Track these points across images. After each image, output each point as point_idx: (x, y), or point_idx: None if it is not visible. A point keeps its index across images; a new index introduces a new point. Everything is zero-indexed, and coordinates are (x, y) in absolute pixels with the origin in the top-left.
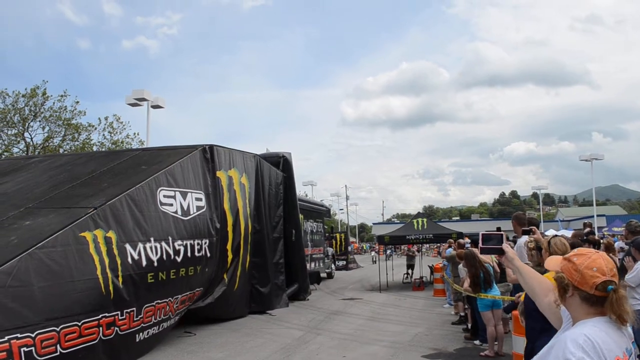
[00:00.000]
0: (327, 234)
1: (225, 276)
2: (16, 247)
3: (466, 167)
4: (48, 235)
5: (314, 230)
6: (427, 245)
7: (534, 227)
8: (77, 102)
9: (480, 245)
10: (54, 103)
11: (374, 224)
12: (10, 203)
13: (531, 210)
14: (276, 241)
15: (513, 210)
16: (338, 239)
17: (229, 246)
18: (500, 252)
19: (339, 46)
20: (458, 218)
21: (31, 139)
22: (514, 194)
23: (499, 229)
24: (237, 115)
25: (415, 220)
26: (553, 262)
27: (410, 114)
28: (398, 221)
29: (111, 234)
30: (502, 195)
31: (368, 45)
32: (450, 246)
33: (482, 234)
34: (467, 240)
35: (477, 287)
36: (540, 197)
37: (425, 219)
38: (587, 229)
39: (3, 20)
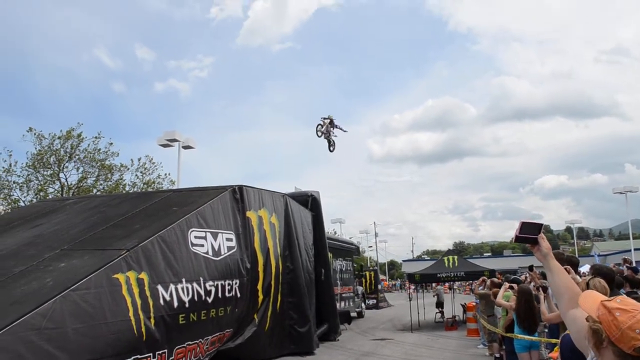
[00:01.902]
0: (356, 272)
1: (255, 316)
2: (51, 289)
3: (496, 202)
4: (82, 277)
5: (343, 269)
6: (459, 283)
7: (568, 267)
8: (111, 143)
9: (517, 233)
10: (88, 145)
11: (403, 261)
12: (46, 245)
13: (565, 245)
14: (310, 281)
15: None
16: (368, 277)
17: (259, 286)
18: (535, 242)
19: (365, 84)
20: (490, 254)
21: (66, 179)
22: (546, 228)
23: (540, 224)
24: (265, 154)
25: (446, 258)
26: (590, 303)
27: (438, 150)
28: (428, 258)
29: (143, 276)
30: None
31: (393, 82)
32: (483, 284)
33: (522, 222)
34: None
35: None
36: (574, 231)
37: (456, 257)
38: (626, 265)
39: (43, 66)
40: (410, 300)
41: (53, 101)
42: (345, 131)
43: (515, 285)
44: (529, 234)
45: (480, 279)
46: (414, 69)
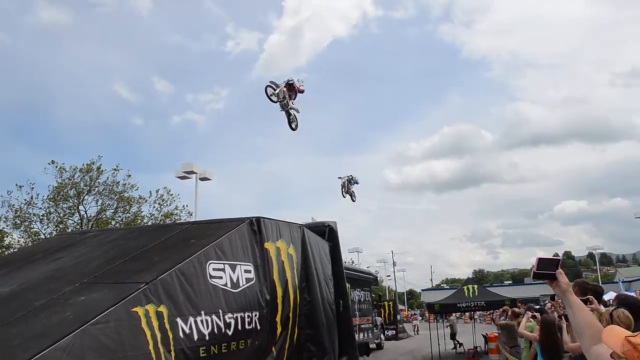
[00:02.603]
0: (375, 303)
1: (273, 349)
2: (71, 323)
3: (515, 229)
4: (102, 311)
5: (362, 299)
6: (480, 313)
7: (590, 297)
8: (129, 175)
9: (534, 270)
10: (107, 177)
11: (422, 290)
12: (66, 278)
13: (588, 271)
14: (329, 312)
15: (568, 272)
16: (386, 308)
17: (278, 318)
18: (553, 278)
19: (380, 113)
20: (510, 282)
21: (85, 211)
22: (568, 254)
23: (556, 255)
24: (282, 183)
25: (465, 287)
26: (613, 339)
27: (454, 177)
28: (447, 286)
29: (162, 309)
30: (556, 256)
31: (408, 111)
32: (504, 314)
33: (539, 258)
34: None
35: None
36: (596, 257)
37: (476, 286)
38: None
39: (65, 101)
40: (416, 332)
41: (74, 134)
42: (302, 91)
43: (538, 315)
44: (547, 270)
45: (502, 309)
46: (428, 97)
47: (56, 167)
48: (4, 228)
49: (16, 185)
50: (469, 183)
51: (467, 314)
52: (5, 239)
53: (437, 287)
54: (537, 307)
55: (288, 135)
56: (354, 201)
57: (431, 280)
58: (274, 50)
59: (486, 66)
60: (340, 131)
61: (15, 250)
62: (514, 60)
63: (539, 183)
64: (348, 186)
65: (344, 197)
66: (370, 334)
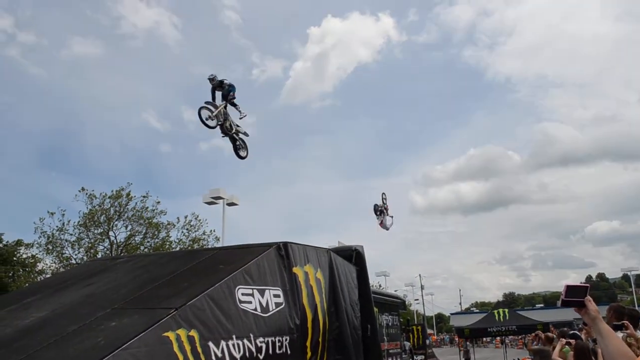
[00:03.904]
0: (403, 327)
1: None
2: (103, 349)
3: (546, 250)
4: (133, 336)
5: (390, 324)
6: (511, 337)
7: (626, 322)
8: (158, 202)
9: (562, 297)
10: (136, 203)
11: (451, 314)
12: (98, 304)
13: (623, 293)
14: (356, 337)
15: (602, 294)
16: (415, 332)
17: (308, 343)
18: (582, 305)
19: (405, 136)
20: (542, 305)
21: (115, 237)
22: (601, 276)
23: (584, 283)
24: (308, 207)
25: (496, 311)
26: None
27: (482, 199)
28: (477, 310)
29: (194, 333)
30: (589, 278)
31: (434, 133)
32: (536, 339)
33: (567, 285)
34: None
35: None
36: (631, 278)
37: (506, 310)
38: None
39: (94, 129)
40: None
41: (104, 162)
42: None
43: (572, 342)
44: (576, 298)
45: (534, 334)
46: (454, 119)
47: (86, 194)
48: (37, 254)
49: (48, 212)
50: (497, 205)
51: (498, 338)
52: (38, 264)
53: (467, 311)
54: (572, 332)
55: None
56: (242, 156)
57: (460, 304)
58: (299, 76)
59: (511, 87)
60: (366, 154)
61: (48, 275)
62: (540, 81)
63: (570, 204)
64: (225, 115)
65: (211, 127)
66: (398, 359)
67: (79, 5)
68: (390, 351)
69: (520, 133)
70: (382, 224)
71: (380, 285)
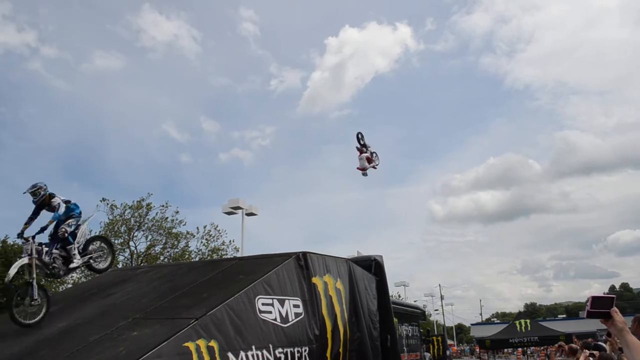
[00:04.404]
0: (423, 338)
1: None
2: (124, 358)
3: (568, 260)
4: (154, 346)
5: (410, 334)
6: (533, 348)
7: None
8: (177, 212)
9: (588, 309)
10: (156, 214)
11: (472, 324)
12: (119, 314)
13: None
14: (375, 348)
15: (627, 305)
16: (435, 343)
17: (328, 353)
18: (608, 317)
19: (423, 144)
20: (564, 315)
21: (135, 247)
22: (625, 286)
23: (609, 294)
24: (326, 217)
25: (517, 322)
26: None
27: (502, 208)
28: (498, 321)
29: (213, 344)
30: (612, 288)
31: (452, 142)
32: (560, 350)
33: (592, 297)
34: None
35: None
36: None
37: (528, 320)
38: None
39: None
40: None
41: (125, 173)
42: None
43: (596, 353)
44: (601, 309)
45: (557, 345)
46: (472, 127)
47: (107, 204)
48: None
49: None
50: (518, 214)
51: (520, 349)
52: None
53: (488, 322)
54: (595, 343)
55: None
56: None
57: (481, 314)
58: (317, 87)
59: (531, 95)
60: (384, 164)
61: (70, 285)
62: (560, 88)
63: (592, 212)
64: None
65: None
66: None
67: (100, 19)
68: None
69: (540, 141)
70: (363, 164)
71: (399, 296)
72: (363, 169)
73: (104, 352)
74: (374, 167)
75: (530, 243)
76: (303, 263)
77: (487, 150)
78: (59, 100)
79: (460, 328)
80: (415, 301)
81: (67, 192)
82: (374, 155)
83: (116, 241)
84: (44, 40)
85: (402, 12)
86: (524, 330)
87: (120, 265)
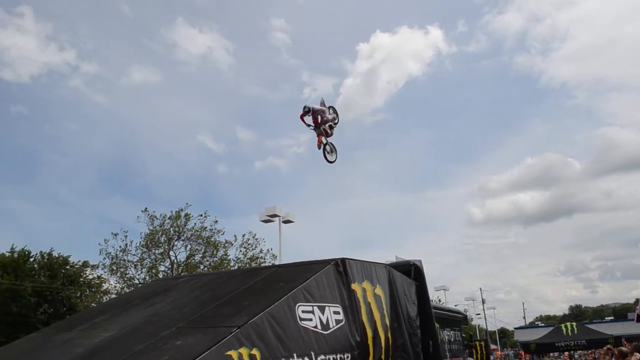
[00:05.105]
0: (465, 343)
1: None
2: None
3: (613, 260)
4: (197, 355)
5: (452, 340)
6: (580, 352)
7: None
8: (216, 221)
9: (638, 312)
10: (195, 223)
11: (515, 328)
12: (162, 323)
13: None
14: (417, 354)
15: None
16: (478, 348)
17: None
18: None
19: (459, 147)
20: (612, 318)
21: (175, 256)
22: None
23: None
24: (363, 222)
25: (563, 325)
26: None
27: (542, 208)
28: (543, 324)
29: (255, 352)
30: None
31: (488, 143)
32: (609, 353)
33: None
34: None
35: None
36: None
37: (574, 323)
38: None
39: (153, 152)
40: None
41: (163, 183)
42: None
43: None
44: None
45: (605, 348)
46: (508, 128)
47: (148, 215)
48: (102, 274)
49: (112, 233)
50: (560, 214)
51: (566, 353)
52: (103, 284)
53: (532, 325)
54: None
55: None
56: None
57: (524, 317)
58: (350, 93)
59: (568, 93)
60: (420, 167)
61: (112, 295)
62: (598, 85)
63: (637, 210)
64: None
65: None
66: None
67: (136, 35)
68: None
69: (579, 139)
70: (321, 142)
71: (439, 300)
72: (319, 142)
73: None
74: (330, 126)
75: (573, 243)
76: (342, 269)
77: (525, 150)
78: (99, 115)
79: (503, 332)
80: (456, 305)
81: (109, 205)
82: (325, 112)
83: (156, 251)
84: (84, 57)
85: (433, 16)
86: (570, 333)
87: (160, 275)
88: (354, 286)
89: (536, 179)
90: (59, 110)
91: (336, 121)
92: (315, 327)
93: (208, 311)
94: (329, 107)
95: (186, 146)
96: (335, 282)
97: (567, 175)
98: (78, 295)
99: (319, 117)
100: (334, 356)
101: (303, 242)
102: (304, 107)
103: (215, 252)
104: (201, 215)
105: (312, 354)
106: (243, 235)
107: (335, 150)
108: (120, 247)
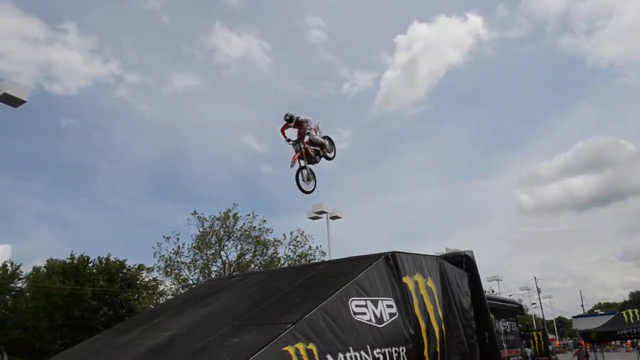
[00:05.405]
0: (522, 333)
1: None
2: None
3: None
4: (255, 351)
5: (508, 330)
6: None
7: None
8: (264, 220)
9: None
10: (244, 223)
11: (573, 317)
12: (218, 322)
13: None
14: (472, 345)
15: None
16: (535, 338)
17: (425, 353)
18: None
19: (505, 134)
20: None
21: (226, 257)
22: None
23: None
24: (410, 215)
25: (625, 312)
26: None
27: (595, 193)
28: (602, 312)
29: (312, 347)
30: None
31: (535, 129)
32: None
33: None
34: None
35: None
36: None
37: (637, 310)
38: None
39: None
40: None
41: (210, 186)
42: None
43: None
44: None
45: None
46: (555, 112)
47: (198, 217)
48: (157, 277)
49: (164, 237)
50: (614, 198)
51: (629, 341)
52: (159, 286)
53: (590, 313)
54: None
55: (413, 167)
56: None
57: (582, 306)
58: (391, 86)
59: (616, 72)
60: (466, 157)
61: (168, 296)
62: None
63: None
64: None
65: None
66: None
67: (176, 43)
68: (511, 358)
69: (631, 119)
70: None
71: (493, 291)
72: (293, 160)
73: (210, 358)
74: (317, 152)
75: (630, 227)
76: (392, 263)
77: (574, 134)
78: (145, 123)
79: (561, 321)
80: (510, 295)
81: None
82: (311, 124)
83: (208, 252)
84: (127, 68)
85: (471, 2)
86: (632, 320)
87: (213, 275)
88: (406, 279)
89: (587, 163)
90: (107, 120)
91: (330, 155)
92: (370, 321)
93: (262, 309)
94: (325, 137)
95: (231, 148)
96: (387, 276)
97: (620, 158)
98: (136, 297)
99: (301, 129)
100: (389, 349)
101: (351, 238)
102: (285, 116)
103: (265, 251)
104: (249, 215)
105: (368, 347)
106: (291, 233)
107: (314, 179)
108: (173, 249)
